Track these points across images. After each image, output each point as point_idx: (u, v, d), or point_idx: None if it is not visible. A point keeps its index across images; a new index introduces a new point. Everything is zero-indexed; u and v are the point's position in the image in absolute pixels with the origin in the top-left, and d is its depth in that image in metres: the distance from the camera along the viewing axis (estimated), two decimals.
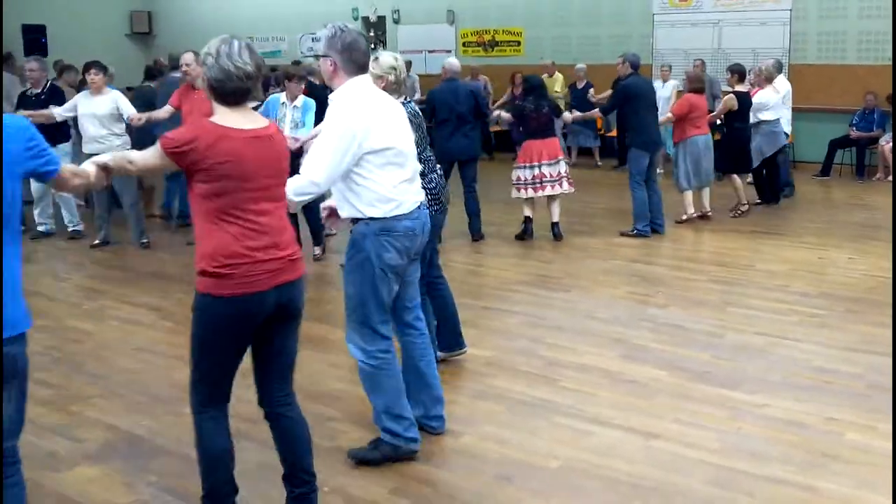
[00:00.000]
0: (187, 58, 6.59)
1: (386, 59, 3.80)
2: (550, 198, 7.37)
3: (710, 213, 8.15)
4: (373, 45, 15.03)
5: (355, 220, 3.23)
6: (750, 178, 9.05)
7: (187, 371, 4.48)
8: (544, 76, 11.77)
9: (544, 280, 6.18)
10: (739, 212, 8.34)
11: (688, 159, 7.95)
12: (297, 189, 3.03)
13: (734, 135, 8.35)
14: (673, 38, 12.07)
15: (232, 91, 2.63)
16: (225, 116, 2.64)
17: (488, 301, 5.66)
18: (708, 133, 8.10)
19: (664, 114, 8.53)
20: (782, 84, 9.02)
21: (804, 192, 9.58)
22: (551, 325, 5.16)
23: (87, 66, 7.09)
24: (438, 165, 4.15)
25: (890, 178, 9.85)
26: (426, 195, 3.65)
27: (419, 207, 3.33)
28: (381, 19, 14.86)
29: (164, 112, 6.86)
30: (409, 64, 13.31)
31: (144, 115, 6.94)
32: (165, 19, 17.34)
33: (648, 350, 4.66)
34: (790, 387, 4.12)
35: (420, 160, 3.69)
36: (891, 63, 10.04)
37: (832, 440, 3.57)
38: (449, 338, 4.44)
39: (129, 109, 6.99)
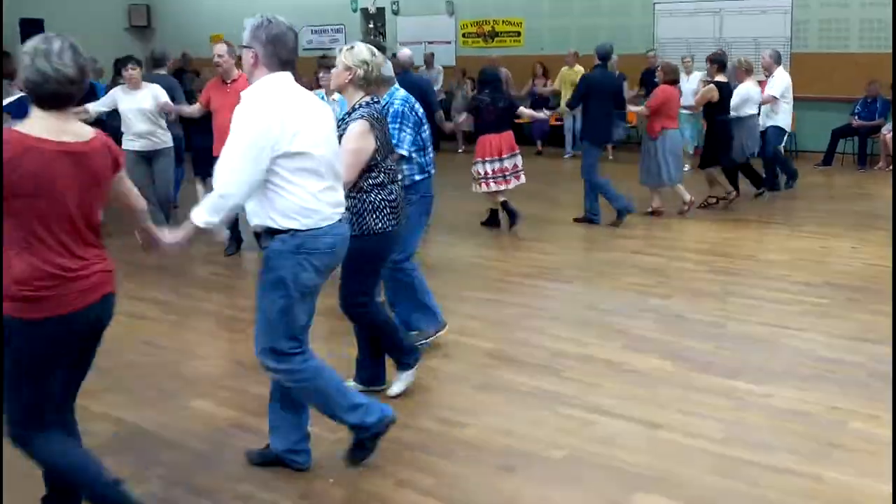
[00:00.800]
0: (220, 49, 6.31)
1: (360, 50, 3.53)
2: (503, 190, 7.40)
3: (662, 210, 7.88)
4: (371, 37, 14.99)
5: (272, 234, 2.93)
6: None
7: (193, 364, 4.53)
8: (565, 68, 11.72)
9: (546, 272, 6.18)
10: (728, 200, 8.18)
11: (668, 154, 7.67)
12: (209, 207, 2.80)
13: (716, 127, 8.10)
14: (674, 28, 12.04)
15: (49, 95, 2.39)
16: (38, 123, 2.41)
17: (490, 293, 5.67)
18: (677, 127, 7.90)
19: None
20: (781, 77, 8.77)
21: (806, 182, 9.56)
22: (553, 316, 5.17)
23: (124, 61, 6.85)
24: (401, 176, 3.93)
25: (891, 167, 9.83)
26: (386, 208, 3.56)
27: (340, 222, 3.03)
28: (381, 11, 14.82)
29: (194, 109, 6.65)
30: (431, 56, 13.20)
31: (175, 109, 6.76)
32: (164, 13, 17.30)
33: (651, 340, 4.67)
34: (793, 376, 4.13)
35: (379, 169, 3.55)
36: (891, 52, 10.02)
37: (836, 429, 3.58)
38: (372, 370, 3.99)
39: (164, 96, 6.81)
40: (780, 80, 8.69)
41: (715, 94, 7.92)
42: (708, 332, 4.79)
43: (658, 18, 12.23)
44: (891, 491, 2.93)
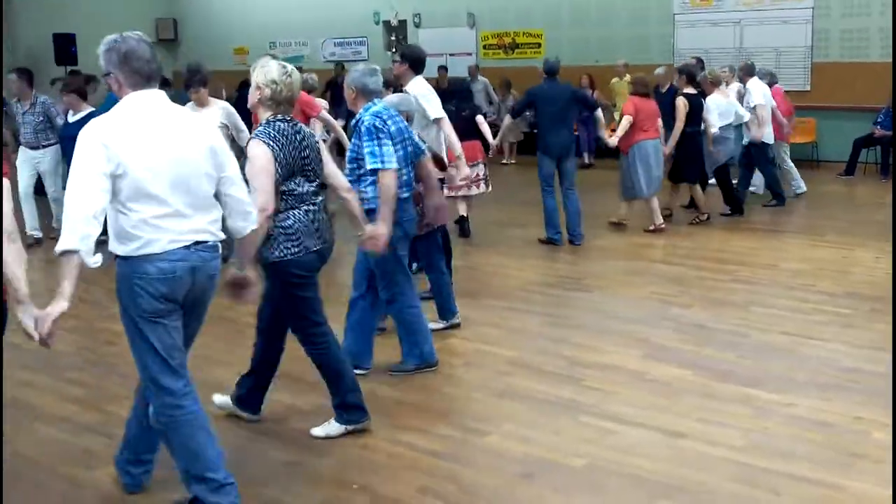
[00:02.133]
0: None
1: (270, 70, 3.39)
2: (465, 196, 7.46)
3: (662, 226, 7.68)
4: (393, 49, 15.12)
5: (116, 258, 2.85)
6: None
7: (218, 370, 4.60)
8: (615, 79, 11.57)
9: (566, 281, 6.20)
10: (698, 220, 7.92)
11: (639, 166, 7.49)
12: (65, 229, 2.64)
13: (684, 140, 7.79)
14: (694, 38, 12.02)
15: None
16: None
17: (510, 301, 5.69)
18: (657, 138, 7.64)
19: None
20: (756, 88, 8.45)
21: (828, 192, 9.51)
22: (574, 325, 5.18)
23: (189, 81, 6.60)
24: (319, 198, 3.52)
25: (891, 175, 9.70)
26: (280, 236, 3.36)
27: (188, 248, 2.82)
28: (403, 23, 14.94)
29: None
30: (476, 68, 13.20)
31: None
32: (190, 26, 17.55)
33: (672, 350, 4.66)
34: (815, 386, 4.11)
35: (281, 193, 3.34)
36: None
37: (859, 439, 3.56)
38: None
39: (239, 123, 6.47)
40: (758, 91, 8.44)
41: (686, 107, 7.75)
42: (729, 342, 4.78)
43: (677, 29, 12.22)
44: None
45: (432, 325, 4.73)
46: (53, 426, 3.83)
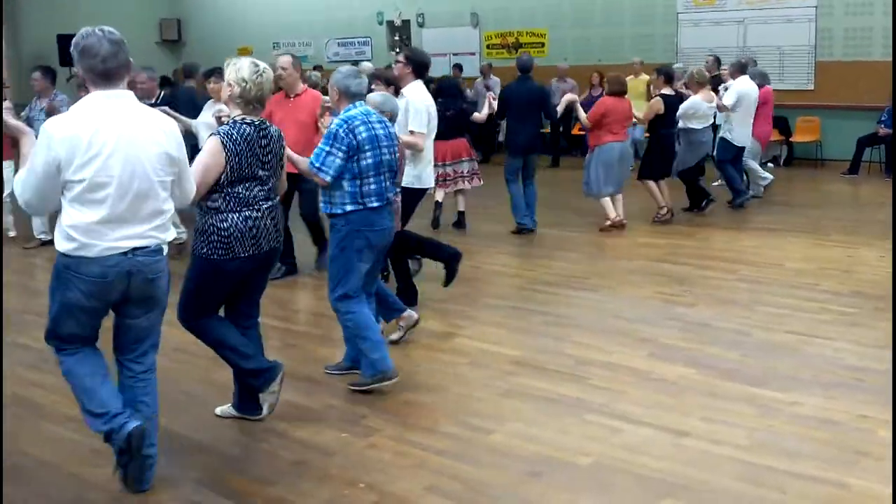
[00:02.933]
0: (284, 61, 6.04)
1: (241, 67, 3.37)
2: (459, 191, 7.78)
3: (624, 222, 7.68)
4: (397, 49, 15.15)
5: None
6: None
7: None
8: (630, 77, 11.52)
9: (570, 280, 6.21)
10: (660, 217, 7.91)
11: (599, 166, 7.52)
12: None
13: (658, 140, 7.90)
14: (697, 37, 12.02)
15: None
16: None
17: (515, 301, 5.70)
18: (625, 140, 7.65)
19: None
20: (737, 86, 8.36)
21: (832, 191, 9.51)
22: (578, 324, 5.20)
23: (209, 74, 6.62)
24: (268, 204, 3.50)
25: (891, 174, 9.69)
26: (213, 235, 3.36)
27: (125, 254, 2.88)
28: (406, 23, 14.97)
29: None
30: (489, 67, 13.11)
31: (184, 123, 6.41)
32: (195, 27, 17.60)
33: (676, 349, 4.67)
34: (820, 384, 4.12)
35: (222, 194, 3.36)
36: None
37: (864, 437, 3.57)
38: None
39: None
40: (733, 90, 8.36)
41: (661, 107, 7.74)
42: (734, 341, 4.79)
43: (681, 28, 12.22)
44: None
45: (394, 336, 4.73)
46: (60, 425, 3.85)
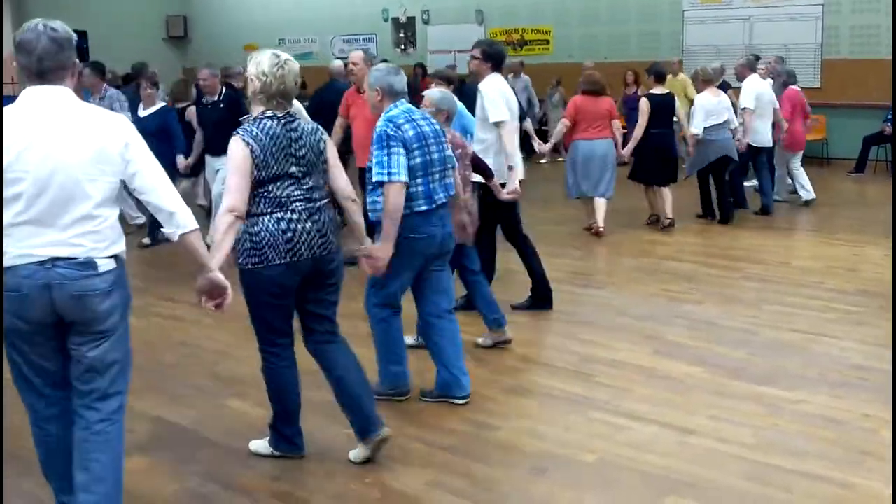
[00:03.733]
0: (355, 56, 5.93)
1: (261, 60, 3.15)
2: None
3: (601, 229, 7.37)
4: (402, 47, 15.14)
5: None
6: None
7: (229, 365, 4.63)
8: (668, 76, 11.24)
9: (577, 277, 6.21)
10: (662, 225, 7.60)
11: (569, 165, 7.41)
12: None
13: (647, 141, 7.52)
14: (703, 35, 12.00)
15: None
16: None
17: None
18: (599, 139, 7.21)
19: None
20: (750, 85, 8.05)
21: (838, 189, 9.48)
22: (585, 321, 5.20)
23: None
24: (307, 205, 3.19)
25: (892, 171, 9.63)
26: (246, 242, 3.12)
27: (43, 263, 2.50)
28: (411, 20, 14.97)
29: (338, 126, 6.22)
30: (521, 64, 12.32)
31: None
32: (201, 24, 17.62)
33: (683, 346, 4.67)
34: (826, 383, 4.12)
35: (257, 197, 3.12)
36: None
37: (869, 437, 3.56)
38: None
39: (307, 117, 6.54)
40: (750, 90, 8.02)
41: (647, 108, 7.47)
42: (740, 339, 4.79)
43: (687, 25, 12.20)
44: None
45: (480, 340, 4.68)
46: None
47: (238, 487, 3.25)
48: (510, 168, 5.00)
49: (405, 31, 15.11)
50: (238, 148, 3.09)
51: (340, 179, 3.34)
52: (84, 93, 7.97)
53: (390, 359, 3.94)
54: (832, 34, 11.09)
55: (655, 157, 7.58)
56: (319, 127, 3.32)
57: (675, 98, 7.97)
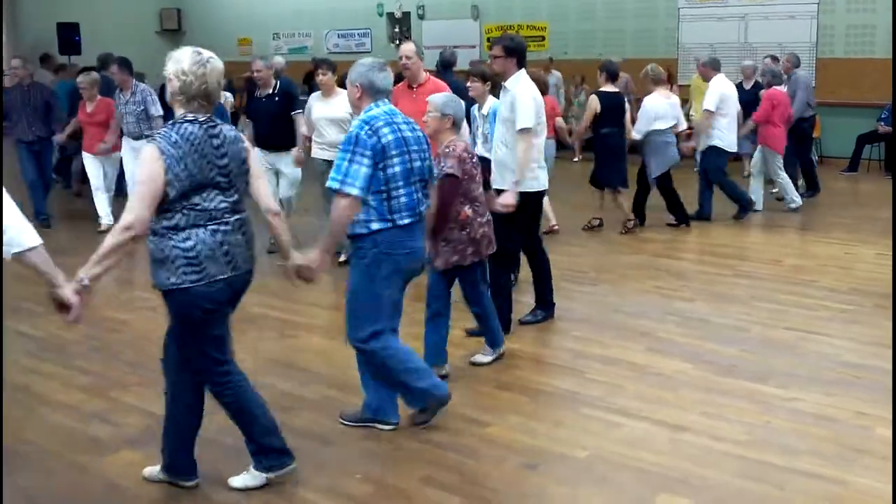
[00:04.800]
0: (408, 50, 5.66)
1: (180, 58, 2.87)
2: None
3: (556, 228, 7.30)
4: (397, 41, 15.11)
5: None
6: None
7: None
8: (695, 76, 10.32)
9: (571, 274, 6.20)
10: (626, 228, 7.39)
11: None
12: None
13: (601, 144, 7.26)
14: (699, 33, 12.01)
15: None
16: None
17: (515, 294, 5.67)
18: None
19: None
20: (716, 86, 7.70)
21: (831, 188, 9.50)
22: (577, 318, 5.19)
23: (316, 65, 6.40)
24: (236, 216, 2.95)
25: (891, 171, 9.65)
26: (179, 258, 2.83)
27: None
28: (406, 15, 14.93)
29: None
30: (550, 62, 12.07)
31: None
32: (195, 16, 17.53)
33: (675, 343, 4.68)
34: (819, 381, 4.12)
35: (176, 209, 2.84)
36: None
37: (862, 434, 3.57)
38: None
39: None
40: (714, 91, 7.69)
41: (597, 106, 7.09)
42: (733, 336, 4.79)
43: (682, 23, 12.20)
44: None
45: (481, 357, 4.37)
46: (60, 413, 3.84)
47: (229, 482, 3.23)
48: (515, 183, 4.58)
49: (400, 26, 15.07)
50: (151, 156, 2.78)
51: (263, 191, 3.06)
52: (103, 85, 7.87)
53: (414, 377, 3.50)
54: (827, 33, 11.11)
55: (611, 159, 7.26)
56: (241, 135, 3.04)
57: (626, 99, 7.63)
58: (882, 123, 10.36)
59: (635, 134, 7.38)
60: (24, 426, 3.67)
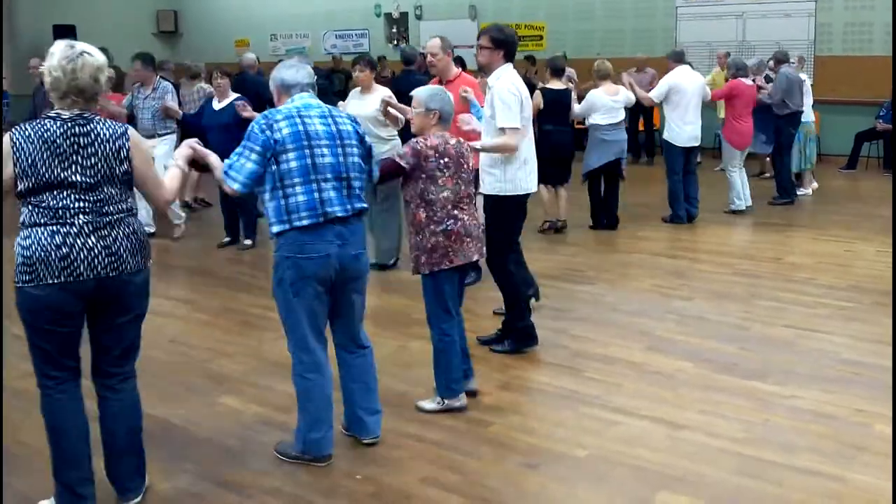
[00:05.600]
0: (433, 46, 5.46)
1: (54, 53, 2.76)
2: None
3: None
4: (395, 42, 15.11)
5: None
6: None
7: (220, 362, 4.61)
8: (716, 70, 10.44)
9: (569, 273, 6.21)
10: (556, 228, 7.33)
11: None
12: None
13: (544, 141, 6.77)
14: (697, 31, 12.02)
15: None
16: None
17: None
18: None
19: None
20: (669, 77, 7.67)
21: (830, 186, 9.51)
22: (576, 317, 5.20)
23: (354, 61, 6.18)
24: (89, 217, 2.77)
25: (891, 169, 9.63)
26: (19, 257, 2.74)
27: None
28: (404, 15, 14.94)
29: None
30: (564, 58, 11.76)
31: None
32: (191, 18, 17.53)
33: (674, 342, 4.68)
34: (818, 379, 4.12)
35: (26, 204, 2.77)
36: None
37: (861, 432, 3.57)
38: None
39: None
40: (663, 81, 7.74)
41: (540, 101, 6.94)
42: (731, 334, 4.79)
43: (680, 21, 12.21)
44: None
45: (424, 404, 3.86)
46: None
47: (229, 484, 3.23)
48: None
49: (398, 27, 15.07)
50: (5, 145, 2.73)
51: (155, 192, 2.97)
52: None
53: (306, 422, 3.31)
54: (825, 31, 11.11)
55: (552, 157, 6.98)
56: (127, 132, 2.86)
57: (572, 94, 7.56)
58: (880, 121, 10.37)
59: (577, 112, 7.39)
60: (21, 428, 3.67)
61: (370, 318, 4.32)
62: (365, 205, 3.35)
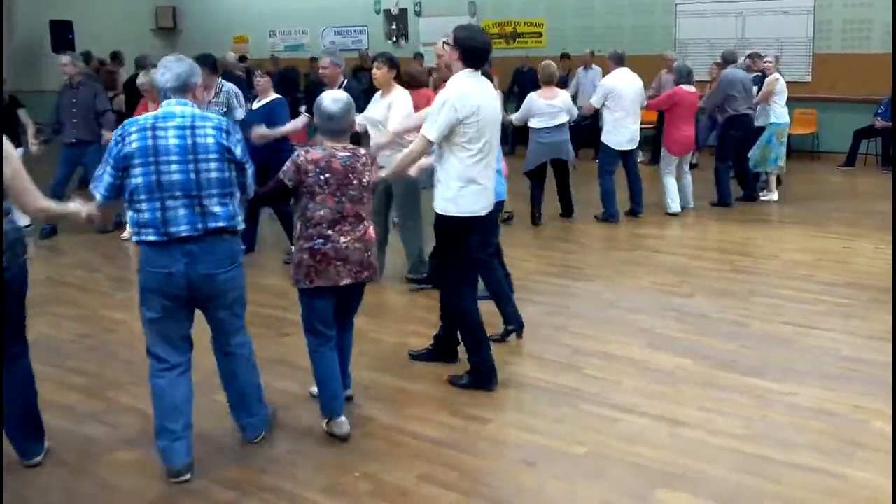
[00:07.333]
0: (438, 48, 5.26)
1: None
2: None
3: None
4: (394, 39, 15.09)
5: None
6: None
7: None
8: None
9: (568, 270, 6.20)
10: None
11: None
12: None
13: None
14: (695, 28, 12.00)
15: None
16: None
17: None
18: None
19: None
20: (607, 80, 7.74)
21: (828, 183, 9.51)
22: (575, 314, 5.19)
23: (374, 58, 5.87)
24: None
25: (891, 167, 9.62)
26: None
27: None
28: (403, 12, 14.90)
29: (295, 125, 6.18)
30: (591, 55, 11.61)
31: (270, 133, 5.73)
32: (190, 14, 17.48)
33: (673, 339, 4.67)
34: (817, 375, 4.12)
35: None
36: None
37: (860, 428, 3.57)
38: None
39: (403, 111, 5.47)
40: (602, 84, 7.81)
41: None
42: (731, 331, 4.78)
43: (679, 19, 12.19)
44: None
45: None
46: (55, 414, 3.82)
47: (227, 481, 3.22)
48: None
49: (397, 24, 15.04)
50: None
51: (21, 197, 2.96)
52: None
53: (158, 436, 3.26)
54: (824, 28, 11.09)
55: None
56: (3, 143, 2.80)
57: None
58: (879, 118, 10.36)
59: (514, 120, 7.50)
60: None
61: (367, 313, 4.32)
62: (225, 223, 3.14)
